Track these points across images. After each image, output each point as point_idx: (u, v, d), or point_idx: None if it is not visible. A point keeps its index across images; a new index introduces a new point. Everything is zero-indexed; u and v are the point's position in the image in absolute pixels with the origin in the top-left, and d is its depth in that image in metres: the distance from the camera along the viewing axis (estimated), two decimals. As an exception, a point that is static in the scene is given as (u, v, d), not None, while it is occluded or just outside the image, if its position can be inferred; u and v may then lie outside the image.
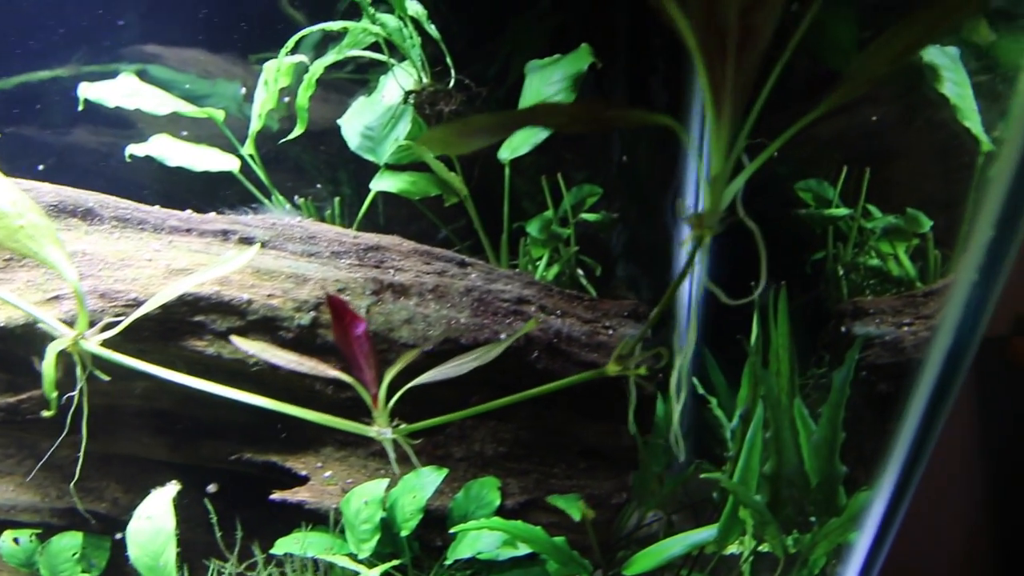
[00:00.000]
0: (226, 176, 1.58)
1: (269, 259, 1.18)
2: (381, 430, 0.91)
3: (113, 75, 1.96)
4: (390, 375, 0.88)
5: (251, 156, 1.49)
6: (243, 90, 1.71)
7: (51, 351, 0.91)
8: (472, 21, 1.83)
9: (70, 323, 1.00)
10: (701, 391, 1.44)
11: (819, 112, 0.58)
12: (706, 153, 0.60)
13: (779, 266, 1.77)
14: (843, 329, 1.27)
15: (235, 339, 0.96)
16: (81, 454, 1.01)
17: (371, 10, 1.31)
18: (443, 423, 0.98)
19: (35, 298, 1.07)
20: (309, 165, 1.89)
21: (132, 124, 1.82)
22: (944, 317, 0.81)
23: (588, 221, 1.60)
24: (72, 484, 1.10)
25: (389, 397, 0.92)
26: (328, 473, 1.23)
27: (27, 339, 1.11)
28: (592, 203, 1.67)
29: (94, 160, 1.90)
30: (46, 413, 0.94)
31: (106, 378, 0.98)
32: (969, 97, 1.21)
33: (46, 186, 1.17)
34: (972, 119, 1.21)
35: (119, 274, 1.08)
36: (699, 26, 0.52)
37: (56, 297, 1.08)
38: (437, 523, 1.17)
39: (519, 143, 1.36)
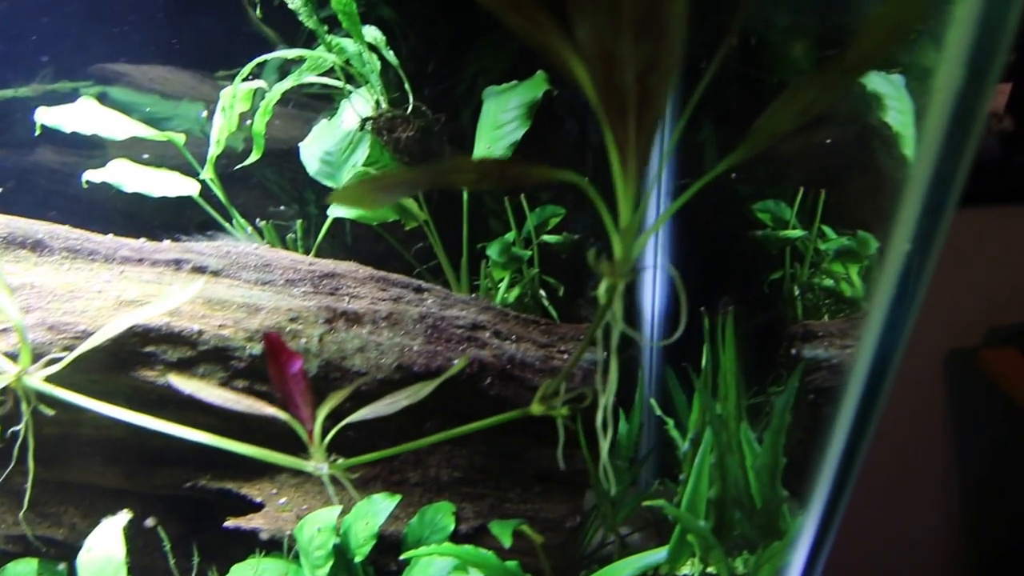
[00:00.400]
0: (190, 197, 1.58)
1: (222, 288, 1.18)
2: (318, 465, 0.92)
3: (77, 95, 1.95)
4: (323, 413, 0.90)
5: (211, 180, 1.49)
6: (204, 113, 1.71)
7: (-8, 388, 0.92)
8: (438, 42, 1.85)
9: (17, 356, 1.00)
10: (659, 413, 1.46)
11: (722, 168, 0.60)
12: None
13: (738, 286, 1.80)
14: (793, 351, 1.30)
15: (172, 378, 0.96)
16: (28, 488, 1.02)
17: (327, 37, 1.32)
18: (382, 456, 0.99)
19: (-18, 330, 1.07)
20: (275, 185, 1.89)
21: (98, 144, 1.81)
22: (865, 334, 0.83)
23: (550, 245, 1.62)
24: (21, 514, 1.10)
25: (325, 433, 0.93)
26: (283, 499, 1.24)
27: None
28: (556, 223, 1.69)
29: (57, 181, 1.90)
30: (-12, 450, 0.94)
31: (51, 412, 0.98)
32: (911, 124, 1.24)
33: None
34: (912, 147, 1.24)
35: (68, 306, 1.08)
36: (600, 86, 0.54)
37: (4, 330, 1.08)
38: (392, 548, 1.18)
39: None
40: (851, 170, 1.56)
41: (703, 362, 1.28)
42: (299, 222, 1.61)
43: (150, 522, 1.13)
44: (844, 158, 1.55)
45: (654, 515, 1.54)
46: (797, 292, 1.57)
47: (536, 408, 0.73)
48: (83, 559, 1.04)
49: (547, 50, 0.57)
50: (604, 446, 0.73)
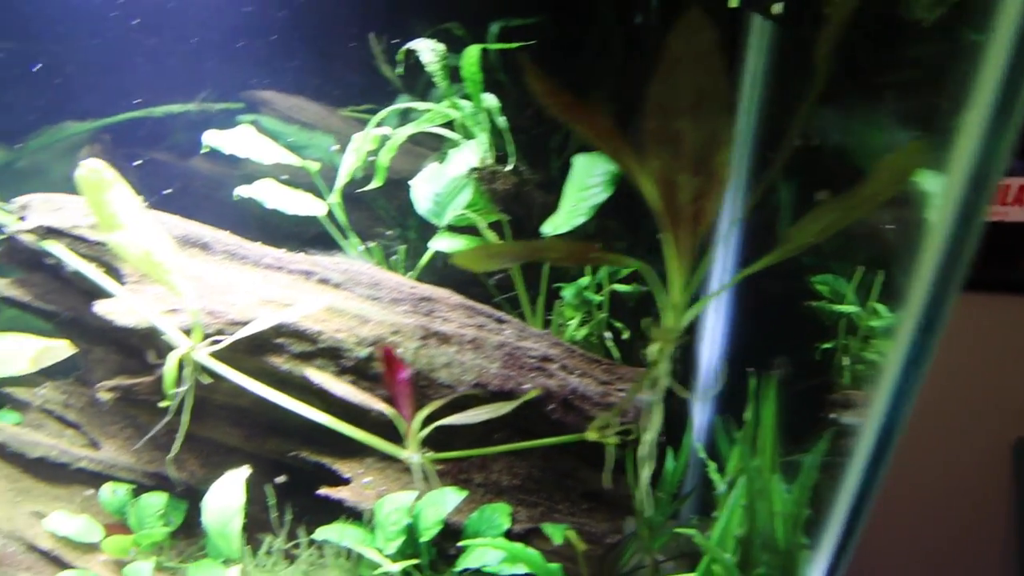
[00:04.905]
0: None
1: (340, 299, 1.43)
2: (411, 455, 1.14)
3: (228, 113, 2.31)
4: (422, 415, 1.11)
5: (337, 205, 1.76)
6: (335, 147, 2.00)
7: (172, 357, 1.18)
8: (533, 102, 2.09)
9: (186, 332, 1.27)
10: (702, 455, 1.61)
11: (756, 267, 0.78)
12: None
13: (792, 349, 1.92)
14: (832, 417, 1.42)
15: (308, 371, 1.20)
16: (180, 438, 1.28)
17: (455, 99, 1.57)
18: (464, 455, 1.19)
19: (160, 308, 1.36)
20: (382, 210, 2.17)
21: (240, 159, 2.14)
22: (872, 404, 0.96)
23: (619, 292, 1.81)
24: (168, 457, 1.37)
25: (420, 430, 1.15)
26: (368, 479, 1.45)
27: (146, 336, 1.40)
28: (626, 274, 1.87)
29: (208, 187, 2.24)
30: (163, 404, 1.21)
31: (209, 380, 1.25)
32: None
33: (176, 220, 1.47)
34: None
35: (223, 298, 1.36)
36: (663, 203, 0.73)
37: (174, 310, 1.36)
38: (453, 535, 1.38)
39: (561, 223, 1.58)
40: (906, 256, 1.67)
41: (747, 416, 1.42)
42: (403, 247, 1.86)
43: (281, 479, 1.37)
44: (902, 244, 1.66)
45: (688, 547, 1.68)
46: (848, 362, 1.68)
47: (591, 435, 0.92)
48: (211, 498, 1.29)
49: (625, 170, 0.77)
50: (646, 475, 0.91)
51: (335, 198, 1.75)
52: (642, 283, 1.85)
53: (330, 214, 1.82)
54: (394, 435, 1.33)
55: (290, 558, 1.48)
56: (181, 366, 1.24)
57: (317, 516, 1.46)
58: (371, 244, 1.89)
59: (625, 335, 1.86)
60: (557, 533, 1.27)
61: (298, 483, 1.53)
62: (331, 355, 1.38)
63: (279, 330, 1.36)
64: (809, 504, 1.24)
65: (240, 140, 1.77)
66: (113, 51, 2.13)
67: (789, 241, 0.77)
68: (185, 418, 1.26)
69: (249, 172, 1.96)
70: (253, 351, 1.37)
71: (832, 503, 1.02)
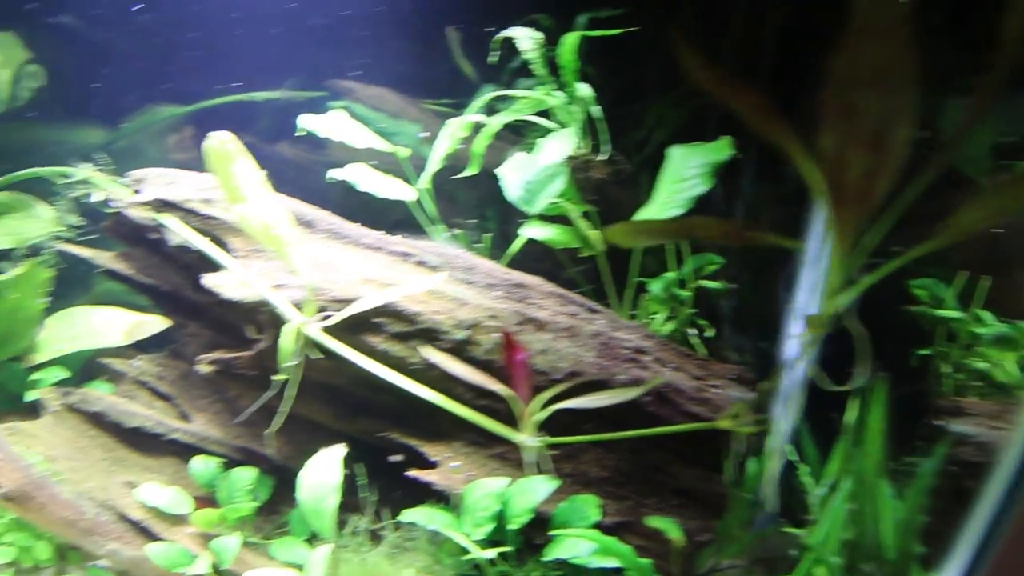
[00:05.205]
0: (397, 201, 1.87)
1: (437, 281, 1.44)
2: (527, 438, 1.12)
3: (314, 101, 2.36)
4: (545, 396, 1.10)
5: (426, 191, 1.77)
6: (426, 133, 2.02)
7: (288, 330, 1.20)
8: (625, 93, 2.07)
9: (297, 306, 1.29)
10: (793, 458, 1.56)
11: (905, 260, 0.75)
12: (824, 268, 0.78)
13: (889, 355, 1.85)
14: (940, 424, 1.36)
15: (427, 351, 1.21)
16: (284, 412, 1.30)
17: (550, 89, 1.56)
18: (575, 441, 1.18)
19: (266, 283, 1.38)
20: (463, 201, 2.18)
21: (320, 144, 2.18)
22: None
23: (705, 288, 1.77)
24: (267, 432, 1.39)
25: (538, 413, 1.14)
26: (456, 463, 1.45)
27: (247, 311, 1.42)
28: (712, 270, 1.83)
29: (292, 171, 2.29)
30: (277, 377, 1.23)
31: (320, 355, 1.26)
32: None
33: (284, 198, 1.49)
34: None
35: (327, 276, 1.37)
36: (830, 182, 0.71)
37: (280, 285, 1.38)
38: (540, 524, 1.37)
39: (654, 214, 1.55)
40: (1017, 261, 1.59)
41: (846, 418, 1.37)
42: (487, 235, 1.86)
43: (397, 458, 1.37)
44: (1012, 249, 1.59)
45: (764, 552, 1.63)
46: (949, 370, 1.62)
47: (724, 423, 0.90)
48: (307, 474, 1.31)
49: (781, 148, 0.75)
50: (773, 467, 0.88)
51: (425, 184, 1.76)
52: (731, 280, 1.81)
53: (417, 200, 1.83)
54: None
55: (375, 539, 1.49)
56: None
57: (401, 499, 1.47)
58: (457, 231, 1.90)
59: (709, 332, 1.83)
60: (668, 526, 1.24)
61: (382, 465, 1.54)
62: (428, 336, 1.38)
63: (379, 309, 1.37)
64: (924, 511, 1.19)
65: (334, 124, 1.79)
66: (204, 40, 2.19)
67: (949, 229, 0.74)
68: (291, 392, 1.28)
69: (333, 159, 1.98)
70: (352, 329, 1.38)
71: (966, 515, 0.96)
